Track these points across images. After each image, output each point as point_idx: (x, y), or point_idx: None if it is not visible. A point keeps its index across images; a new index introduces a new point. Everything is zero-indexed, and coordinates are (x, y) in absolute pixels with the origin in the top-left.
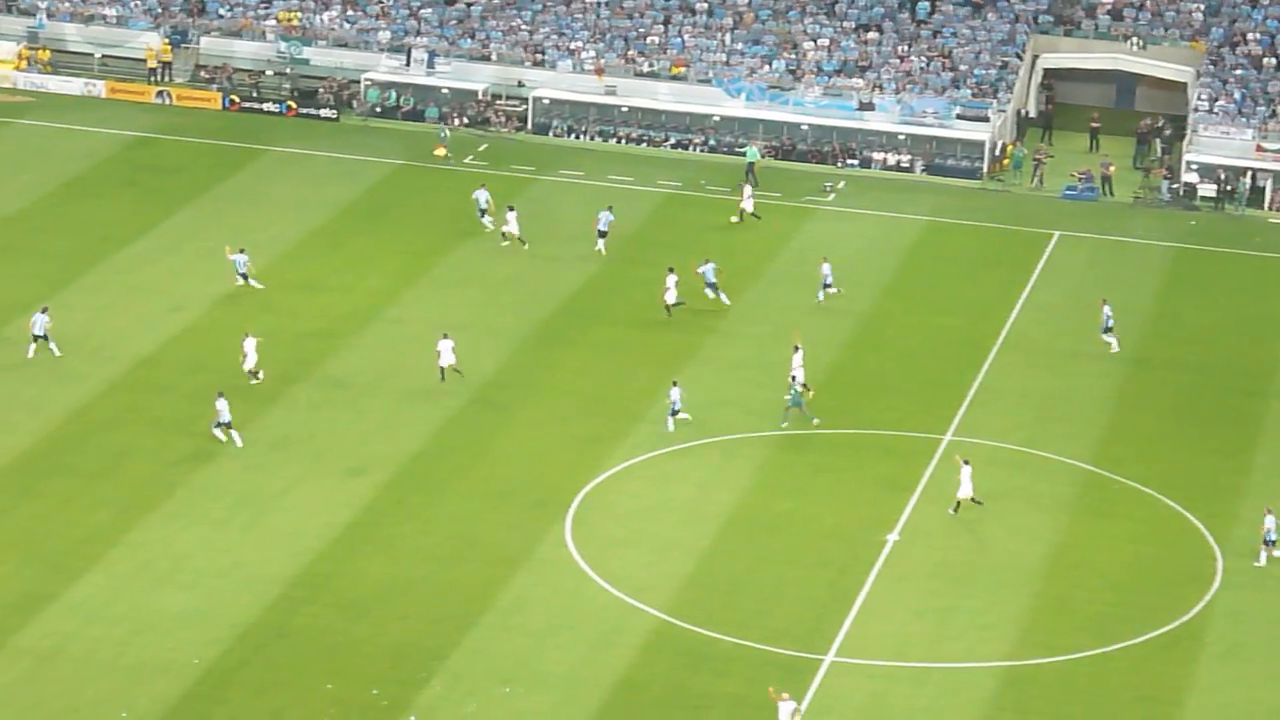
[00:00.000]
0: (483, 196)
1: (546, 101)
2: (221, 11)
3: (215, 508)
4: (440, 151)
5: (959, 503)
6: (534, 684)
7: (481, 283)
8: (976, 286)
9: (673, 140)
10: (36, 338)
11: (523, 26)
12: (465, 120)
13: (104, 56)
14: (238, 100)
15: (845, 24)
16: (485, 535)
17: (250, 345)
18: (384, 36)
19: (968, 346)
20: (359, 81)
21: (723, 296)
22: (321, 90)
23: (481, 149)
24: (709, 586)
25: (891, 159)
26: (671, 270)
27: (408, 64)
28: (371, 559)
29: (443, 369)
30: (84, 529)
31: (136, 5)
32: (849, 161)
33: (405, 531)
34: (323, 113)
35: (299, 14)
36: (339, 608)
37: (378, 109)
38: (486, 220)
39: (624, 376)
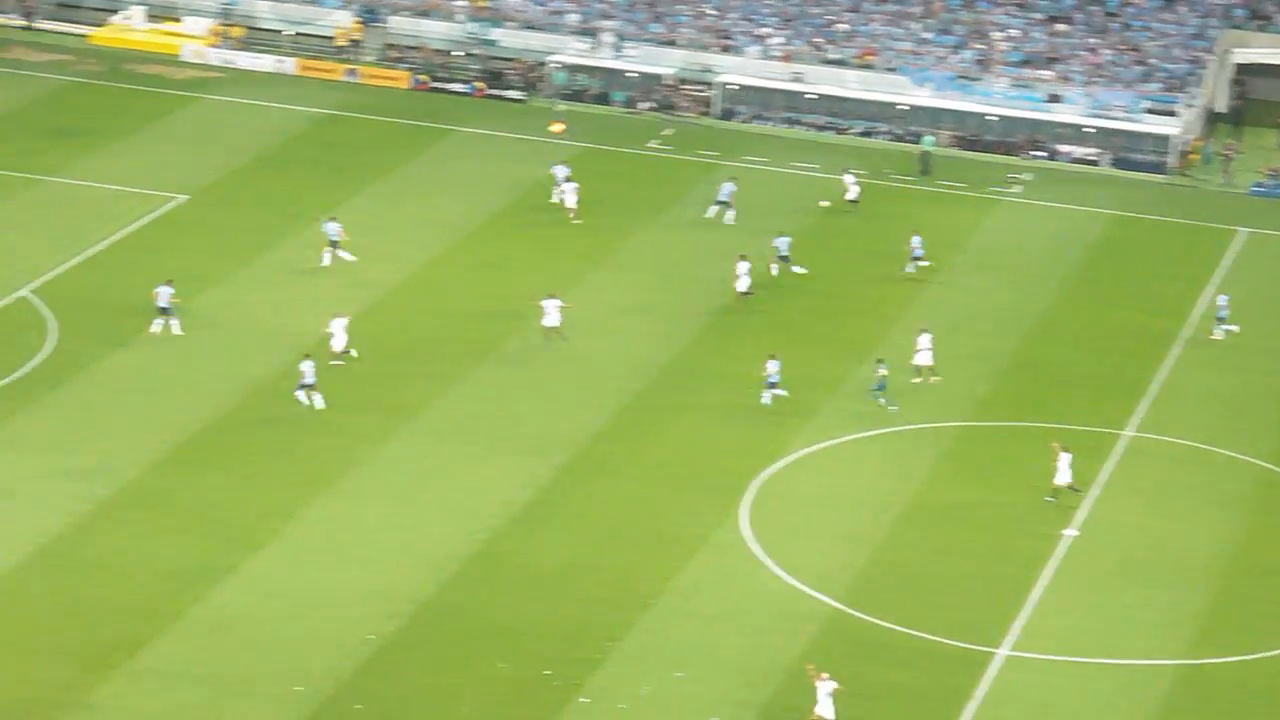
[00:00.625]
0: (561, 172)
1: (733, 87)
2: None
3: (395, 484)
4: (556, 127)
5: (1056, 490)
6: (707, 669)
7: (663, 266)
8: (1161, 282)
9: (859, 128)
10: (161, 310)
11: (711, 12)
12: (652, 104)
13: (295, 33)
14: (426, 80)
15: (1035, 15)
16: (662, 518)
17: (339, 325)
18: (573, 19)
19: (1150, 342)
20: (546, 63)
21: (794, 268)
22: (509, 72)
23: (666, 133)
24: (885, 576)
25: (1078, 152)
26: (744, 257)
27: (596, 47)
28: (548, 539)
29: (546, 329)
30: (265, 503)
31: None
32: (1035, 153)
33: (583, 512)
34: (510, 94)
35: None
36: (515, 587)
37: (565, 91)
38: (557, 195)
39: (805, 362)
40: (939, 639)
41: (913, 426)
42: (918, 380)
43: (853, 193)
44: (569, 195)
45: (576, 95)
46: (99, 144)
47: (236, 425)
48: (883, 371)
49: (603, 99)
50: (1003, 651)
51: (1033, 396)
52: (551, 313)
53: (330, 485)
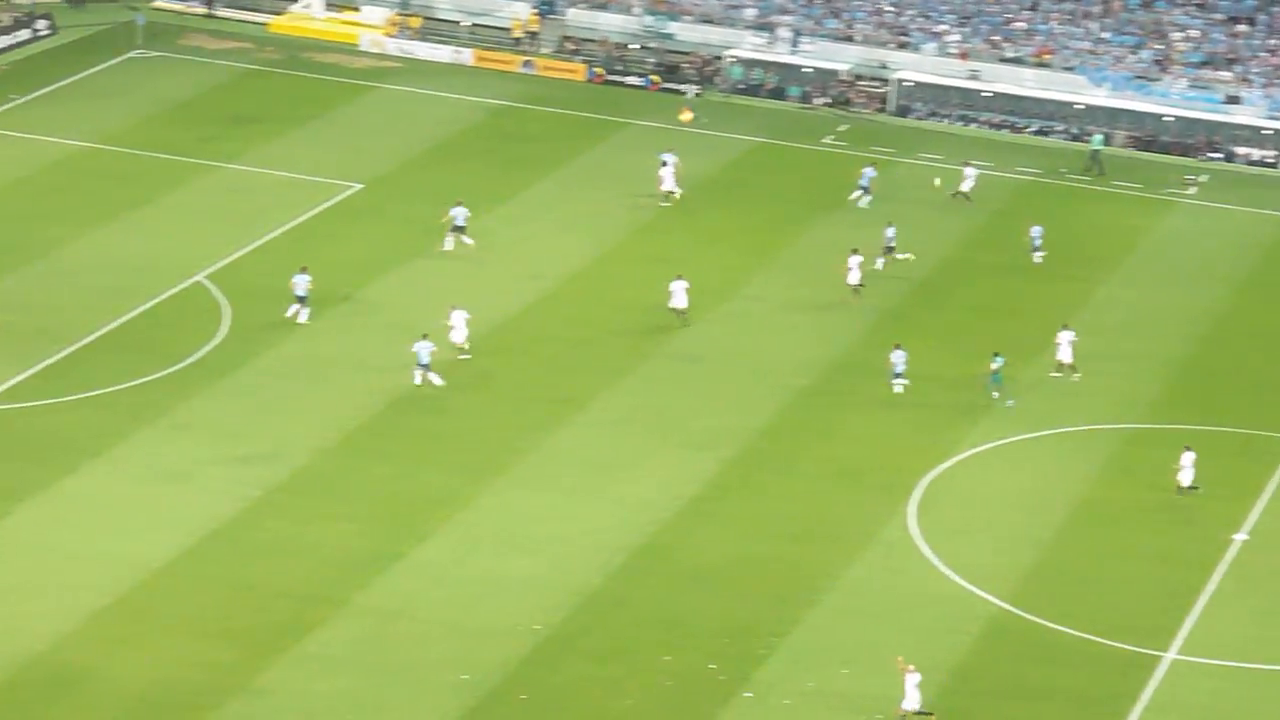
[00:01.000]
0: (670, 159)
1: (909, 84)
2: None
3: (564, 475)
4: (685, 116)
5: (1193, 487)
6: (872, 667)
7: (833, 262)
8: None
9: (1034, 127)
10: (299, 299)
11: (888, 8)
12: (827, 100)
13: (473, 25)
14: (602, 73)
15: (1215, 15)
16: (829, 515)
17: (459, 318)
18: (750, 14)
19: None
20: (722, 58)
21: (897, 256)
22: (685, 65)
23: (841, 129)
24: (1051, 577)
25: (1256, 154)
26: (855, 251)
27: (772, 42)
28: (715, 533)
29: (674, 310)
30: (434, 491)
31: None
32: (1212, 155)
33: (750, 507)
34: (685, 88)
35: None
36: (681, 580)
37: (740, 86)
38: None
39: (975, 362)
40: (1105, 641)
41: (1083, 428)
42: (1076, 377)
43: (968, 184)
44: (667, 179)
45: (752, 90)
46: (276, 132)
47: (405, 413)
48: (995, 365)
49: (778, 94)
50: (1170, 655)
51: (1205, 399)
52: (679, 294)
53: (498, 475)
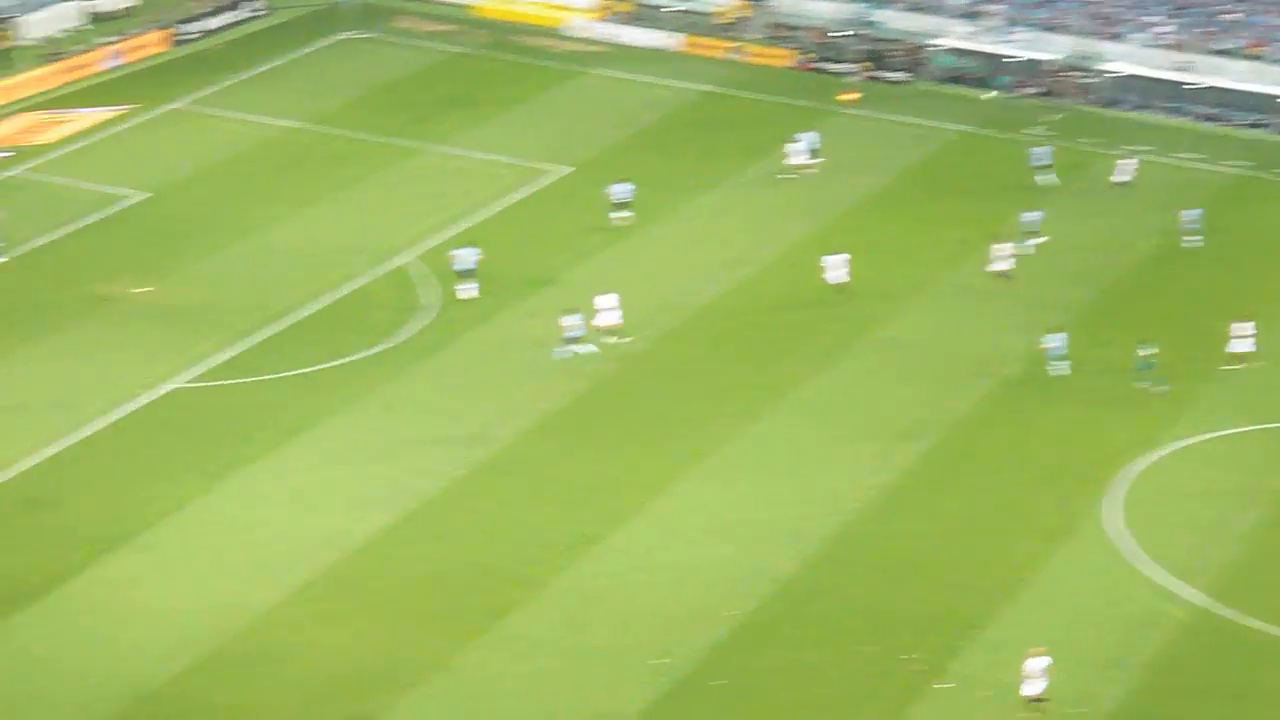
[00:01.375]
0: (807, 137)
1: (1119, 75)
2: None
3: (761, 463)
4: (849, 96)
5: None
6: (1069, 661)
7: (1042, 254)
8: None
9: (1247, 120)
10: (464, 273)
11: None
12: (1035, 90)
13: (683, 10)
14: (810, 59)
15: None
16: (1030, 508)
17: (605, 302)
18: (959, 2)
19: None
20: (930, 46)
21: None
22: (893, 53)
23: (1048, 119)
24: (1255, 573)
25: None
26: (998, 239)
27: (981, 31)
28: (913, 523)
29: (834, 285)
30: (634, 476)
31: None
32: None
33: (949, 498)
34: (893, 76)
35: None
36: (879, 570)
37: (948, 75)
38: (810, 162)
39: (1174, 356)
40: None
41: None
42: (1240, 367)
43: (1120, 176)
44: (796, 153)
45: (958, 79)
46: (484, 115)
47: (606, 396)
48: (1142, 353)
49: (985, 83)
50: None
51: None
52: (838, 268)
53: (698, 461)
